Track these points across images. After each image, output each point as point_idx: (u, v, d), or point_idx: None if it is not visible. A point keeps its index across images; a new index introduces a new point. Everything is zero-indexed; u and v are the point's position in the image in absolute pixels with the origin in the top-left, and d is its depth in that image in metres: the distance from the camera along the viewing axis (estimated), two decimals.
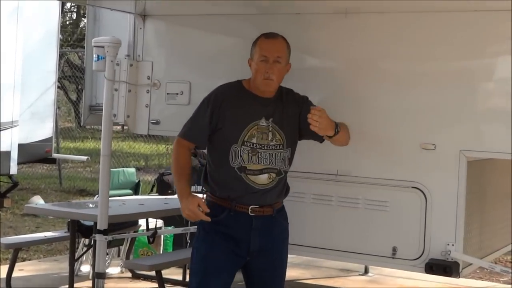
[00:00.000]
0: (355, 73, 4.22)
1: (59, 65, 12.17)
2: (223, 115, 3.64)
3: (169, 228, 6.81)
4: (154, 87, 4.80)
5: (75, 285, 5.82)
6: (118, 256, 6.96)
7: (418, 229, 4.02)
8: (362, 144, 4.11)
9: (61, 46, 12.33)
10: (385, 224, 4.12)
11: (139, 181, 7.94)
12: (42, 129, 11.03)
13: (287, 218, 3.84)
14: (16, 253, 6.03)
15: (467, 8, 3.86)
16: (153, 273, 5.71)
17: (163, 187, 7.00)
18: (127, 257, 6.70)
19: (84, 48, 7.01)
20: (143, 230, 6.54)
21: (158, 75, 4.81)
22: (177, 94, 4.70)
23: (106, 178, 4.66)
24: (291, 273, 6.98)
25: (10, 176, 10.80)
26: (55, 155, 11.72)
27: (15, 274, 6.01)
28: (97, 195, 5.93)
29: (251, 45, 3.77)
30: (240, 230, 3.65)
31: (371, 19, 4.14)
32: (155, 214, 6.29)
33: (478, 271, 7.22)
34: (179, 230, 5.92)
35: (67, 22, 21.94)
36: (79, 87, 16.99)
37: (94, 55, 4.70)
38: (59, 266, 7.01)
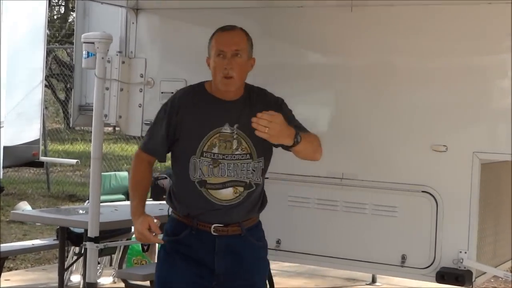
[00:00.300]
0: (361, 70, 4.23)
1: (46, 62, 12.17)
2: (180, 124, 3.42)
3: None
4: (147, 85, 4.81)
5: None
6: (110, 265, 6.95)
7: (429, 235, 4.03)
8: (369, 146, 4.12)
9: (48, 42, 12.33)
10: (393, 230, 4.12)
11: None
12: (29, 131, 11.03)
13: (263, 238, 3.58)
14: (2, 262, 6.03)
15: (480, 0, 3.86)
16: (147, 283, 5.72)
17: (157, 192, 6.99)
18: (120, 266, 6.70)
19: (73, 44, 7.02)
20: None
21: (152, 72, 4.82)
22: (172, 93, 4.70)
23: (97, 182, 4.66)
24: (294, 283, 7.00)
25: None
26: (42, 158, 11.69)
27: (1, 284, 6.01)
28: (87, 201, 5.93)
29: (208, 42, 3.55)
30: (202, 251, 3.42)
31: (378, 13, 4.15)
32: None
33: (492, 280, 7.22)
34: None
35: (55, 17, 21.95)
36: (68, 85, 17.01)
37: (84, 52, 4.71)
38: (47, 276, 7.01)
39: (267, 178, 4.35)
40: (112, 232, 6.03)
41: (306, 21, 4.33)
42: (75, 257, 6.42)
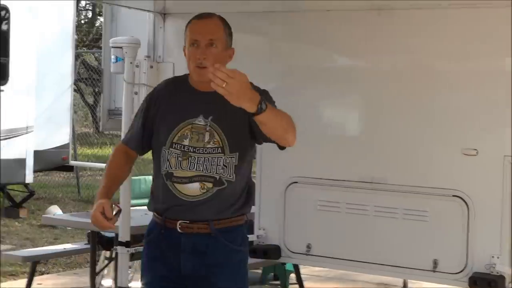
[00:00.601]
0: (389, 74, 4.21)
1: (74, 67, 12.28)
2: (156, 115, 3.29)
3: None
4: None
5: None
6: None
7: (460, 240, 4.00)
8: (399, 150, 4.10)
9: (76, 46, 12.43)
10: (424, 235, 4.10)
11: None
12: (59, 135, 11.15)
13: (242, 242, 3.31)
14: (34, 266, 6.09)
15: (506, 4, 3.83)
16: None
17: None
18: None
19: (100, 49, 7.08)
20: None
21: None
22: None
23: (127, 186, 4.69)
24: (324, 287, 6.98)
25: (26, 185, 10.93)
26: (72, 163, 11.84)
27: None
28: None
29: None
30: (169, 250, 3.24)
31: (405, 16, 4.13)
32: None
33: None
34: None
35: (82, 21, 22.14)
36: (96, 90, 17.12)
37: (112, 57, 4.74)
38: (79, 280, 7.07)
39: (295, 182, 4.41)
40: (143, 237, 6.05)
41: (334, 25, 4.32)
42: (106, 262, 6.46)
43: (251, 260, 4.82)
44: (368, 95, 4.27)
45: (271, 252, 4.47)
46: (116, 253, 4.85)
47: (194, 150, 3.18)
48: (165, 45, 4.90)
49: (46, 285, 6.87)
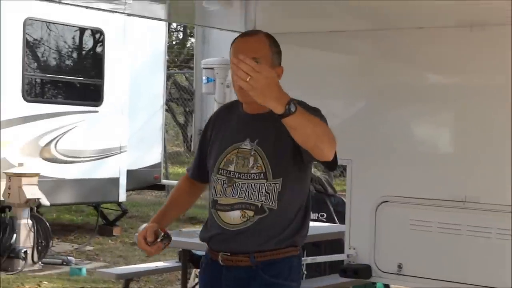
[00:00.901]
0: (482, 91, 4.16)
1: (166, 87, 12.53)
2: (209, 141, 3.16)
3: None
4: None
5: None
6: None
7: None
8: (492, 168, 4.04)
9: (167, 67, 12.69)
10: None
11: None
12: (151, 154, 11.38)
13: (288, 277, 3.02)
14: (127, 284, 6.22)
15: None
16: None
17: None
18: None
19: (191, 69, 7.22)
20: None
21: None
22: None
23: None
24: None
25: (119, 204, 11.18)
26: (164, 181, 12.05)
27: None
28: None
29: None
30: (214, 282, 3.06)
31: (497, 32, 4.07)
32: None
33: None
34: None
35: (174, 42, 22.57)
36: (187, 109, 17.40)
37: (204, 77, 4.85)
38: None
39: (386, 201, 4.39)
40: None
41: (425, 42, 4.30)
42: (197, 279, 6.55)
43: (341, 279, 4.83)
44: (460, 112, 4.23)
45: (362, 271, 4.46)
46: None
47: (239, 176, 2.99)
48: None
49: None
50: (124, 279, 6.28)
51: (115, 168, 10.50)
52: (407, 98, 4.41)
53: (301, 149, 2.86)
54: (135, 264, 8.08)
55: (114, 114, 10.43)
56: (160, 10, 4.68)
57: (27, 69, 9.77)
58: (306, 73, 4.77)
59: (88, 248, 9.92)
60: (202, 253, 5.81)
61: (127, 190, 11.02)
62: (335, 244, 6.27)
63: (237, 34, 4.99)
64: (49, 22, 10.03)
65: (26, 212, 8.46)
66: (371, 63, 4.54)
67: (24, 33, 9.69)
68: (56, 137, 9.83)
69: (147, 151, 11.36)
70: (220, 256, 3.02)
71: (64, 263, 8.80)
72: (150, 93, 11.47)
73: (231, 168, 3.01)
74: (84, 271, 8.22)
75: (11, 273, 8.04)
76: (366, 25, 4.47)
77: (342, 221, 6.18)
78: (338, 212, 7.61)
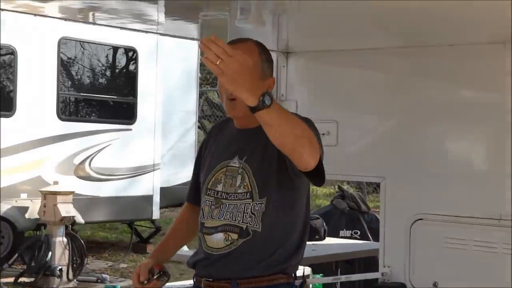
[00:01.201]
0: None
1: (198, 104, 12.62)
2: (203, 159, 2.97)
3: (318, 276, 6.84)
4: None
5: None
6: None
7: None
8: None
9: (200, 84, 12.78)
10: None
11: None
12: (183, 172, 11.45)
13: None
14: None
15: None
16: None
17: (310, 232, 7.05)
18: None
19: None
20: None
21: (303, 114, 4.86)
22: (324, 134, 4.76)
23: None
24: None
25: (153, 221, 11.26)
26: None
27: None
28: None
29: None
30: None
31: None
32: (303, 261, 6.33)
33: None
34: (329, 279, 5.95)
35: None
36: None
37: None
38: None
39: (421, 219, 4.37)
40: None
41: (457, 59, 4.30)
42: None
43: None
44: (495, 129, 4.21)
45: None
46: None
47: (226, 196, 2.78)
48: (288, 83, 4.99)
49: None
50: None
51: (148, 186, 10.59)
52: (440, 115, 4.40)
53: (286, 157, 2.60)
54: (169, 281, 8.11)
55: (148, 132, 10.53)
56: (192, 29, 4.73)
57: (61, 88, 9.92)
58: (339, 91, 4.79)
59: (122, 265, 9.99)
60: None
61: (161, 208, 11.10)
62: (369, 261, 6.26)
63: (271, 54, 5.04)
64: (83, 41, 10.17)
65: (61, 230, 8.57)
66: (403, 80, 4.54)
67: (59, 52, 9.83)
68: (91, 155, 9.95)
69: (180, 169, 11.43)
70: (203, 283, 2.80)
71: (99, 280, 8.88)
72: (183, 110, 11.56)
73: (219, 188, 2.80)
74: None
75: None
76: (398, 43, 4.47)
77: (376, 238, 6.16)
78: (372, 229, 7.60)
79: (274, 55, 5.04)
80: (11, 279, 8.59)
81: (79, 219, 8.79)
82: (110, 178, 10.16)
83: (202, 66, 12.39)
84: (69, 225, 8.72)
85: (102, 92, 10.60)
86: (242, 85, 2.30)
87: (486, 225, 4.17)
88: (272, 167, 2.71)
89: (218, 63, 2.24)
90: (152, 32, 5.14)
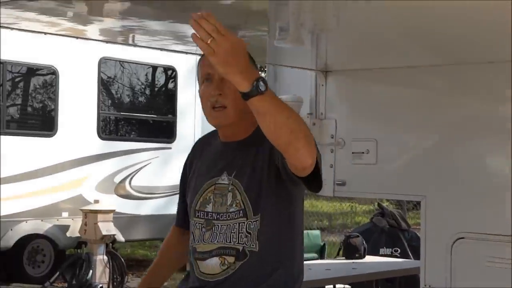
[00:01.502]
0: None
1: None
2: (188, 179, 2.75)
3: None
4: (338, 146, 4.91)
5: None
6: None
7: None
8: None
9: None
10: None
11: (324, 244, 8.04)
12: None
13: None
14: None
15: None
16: None
17: (350, 250, 7.05)
18: None
19: None
20: None
21: (342, 133, 4.92)
22: (363, 152, 4.79)
23: None
24: None
25: None
26: None
27: None
28: None
29: None
30: None
31: None
32: (343, 280, 6.35)
33: None
34: None
35: None
36: None
37: None
38: None
39: (462, 238, 4.35)
40: None
41: (497, 76, 4.29)
42: None
43: None
44: None
45: None
46: None
47: (218, 217, 2.54)
48: (327, 102, 5.01)
49: None
50: None
51: None
52: (480, 131, 4.38)
53: (278, 163, 2.43)
54: None
55: (187, 150, 10.57)
56: None
57: (102, 107, 10.05)
58: (377, 109, 4.79)
59: None
60: None
61: None
62: (410, 279, 6.24)
63: (307, 71, 5.08)
64: (122, 61, 10.31)
65: (102, 248, 8.66)
66: (442, 97, 4.53)
67: (99, 72, 9.98)
68: (131, 173, 10.05)
69: None
70: None
71: None
72: None
73: (209, 208, 2.57)
74: None
75: None
76: (437, 60, 4.48)
77: (416, 256, 6.15)
78: (412, 247, 7.57)
79: (313, 74, 5.09)
80: None
81: (120, 237, 8.89)
82: (150, 196, 10.25)
83: None
84: (110, 243, 8.81)
85: (141, 111, 10.72)
86: (235, 68, 2.08)
87: (498, 241, 4.14)
88: (264, 179, 2.50)
89: (209, 41, 2.03)
90: (192, 53, 5.20)
